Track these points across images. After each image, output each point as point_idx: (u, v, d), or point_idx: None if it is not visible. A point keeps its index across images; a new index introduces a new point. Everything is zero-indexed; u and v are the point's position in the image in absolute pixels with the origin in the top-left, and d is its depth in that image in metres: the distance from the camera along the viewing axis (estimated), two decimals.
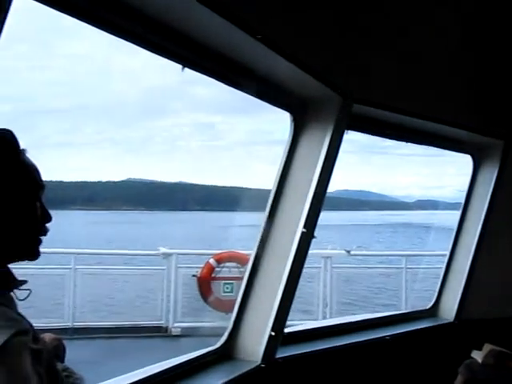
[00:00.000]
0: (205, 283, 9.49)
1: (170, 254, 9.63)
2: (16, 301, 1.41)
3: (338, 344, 3.94)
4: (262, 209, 3.53)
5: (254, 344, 3.33)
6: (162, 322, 9.23)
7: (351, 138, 3.65)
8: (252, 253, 3.49)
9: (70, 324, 8.76)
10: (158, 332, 9.09)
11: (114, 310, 9.61)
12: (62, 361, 1.68)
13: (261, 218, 3.54)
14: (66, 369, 1.54)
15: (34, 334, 1.29)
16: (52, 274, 9.19)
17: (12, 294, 1.41)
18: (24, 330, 1.26)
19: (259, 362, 3.30)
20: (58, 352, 1.68)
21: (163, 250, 9.81)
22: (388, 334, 4.33)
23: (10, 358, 1.18)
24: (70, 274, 9.08)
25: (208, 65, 2.65)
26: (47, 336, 1.68)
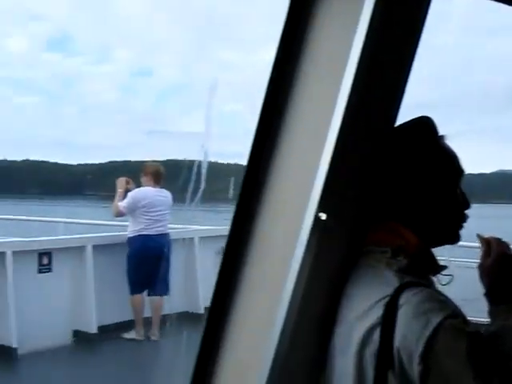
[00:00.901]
0: None
1: None
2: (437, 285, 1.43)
3: None
4: None
5: None
6: None
7: None
8: None
9: None
10: None
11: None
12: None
13: None
14: None
15: (464, 316, 1.27)
16: None
17: (433, 278, 1.43)
18: (455, 312, 1.26)
19: None
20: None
21: None
22: None
23: (444, 340, 1.19)
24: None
25: None
26: (494, 242, 1.44)
